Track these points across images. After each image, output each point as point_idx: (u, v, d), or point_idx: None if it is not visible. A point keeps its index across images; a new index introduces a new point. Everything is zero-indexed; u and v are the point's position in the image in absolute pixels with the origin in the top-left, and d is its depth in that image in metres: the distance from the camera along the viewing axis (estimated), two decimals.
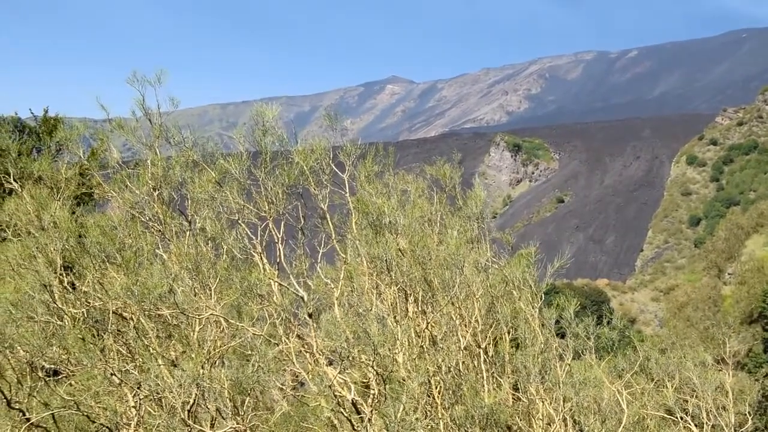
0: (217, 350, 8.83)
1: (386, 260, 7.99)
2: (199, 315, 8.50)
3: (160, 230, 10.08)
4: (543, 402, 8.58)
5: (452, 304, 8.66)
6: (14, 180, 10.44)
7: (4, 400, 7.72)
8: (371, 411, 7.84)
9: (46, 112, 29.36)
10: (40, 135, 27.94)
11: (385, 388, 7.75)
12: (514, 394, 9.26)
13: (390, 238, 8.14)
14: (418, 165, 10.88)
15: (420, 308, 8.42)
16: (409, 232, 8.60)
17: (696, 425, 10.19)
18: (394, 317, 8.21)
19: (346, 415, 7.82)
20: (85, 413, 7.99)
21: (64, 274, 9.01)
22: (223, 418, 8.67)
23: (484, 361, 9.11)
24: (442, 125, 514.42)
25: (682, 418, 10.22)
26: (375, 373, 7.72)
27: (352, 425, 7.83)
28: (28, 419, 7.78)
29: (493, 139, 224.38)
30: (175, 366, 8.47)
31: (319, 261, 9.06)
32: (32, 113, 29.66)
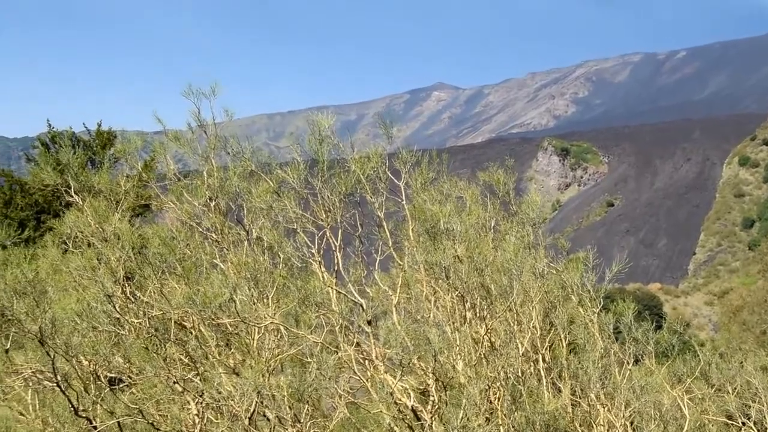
0: (276, 358, 8.91)
1: (444, 267, 8.00)
2: (258, 323, 8.59)
3: (217, 240, 10.22)
4: (604, 408, 8.51)
5: (510, 310, 8.64)
6: (75, 193, 10.66)
7: (72, 409, 7.88)
8: (431, 417, 7.85)
9: (100, 126, 29.92)
10: (94, 148, 28.44)
11: (445, 395, 7.75)
12: (572, 400, 9.20)
13: (448, 244, 8.15)
14: (466, 171, 10.88)
15: (478, 314, 8.41)
16: (465, 238, 8.60)
17: (759, 430, 10.03)
18: (453, 324, 8.22)
19: (407, 421, 7.84)
20: (150, 421, 8.12)
21: (126, 285, 9.18)
22: (282, 425, 8.76)
23: (543, 367, 9.08)
24: (489, 131, 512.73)
25: (744, 424, 10.06)
26: (435, 379, 7.73)
27: None
28: (95, 427, 7.93)
29: (541, 143, 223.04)
30: (236, 374, 8.57)
31: (376, 268, 9.10)
32: (86, 127, 30.22)
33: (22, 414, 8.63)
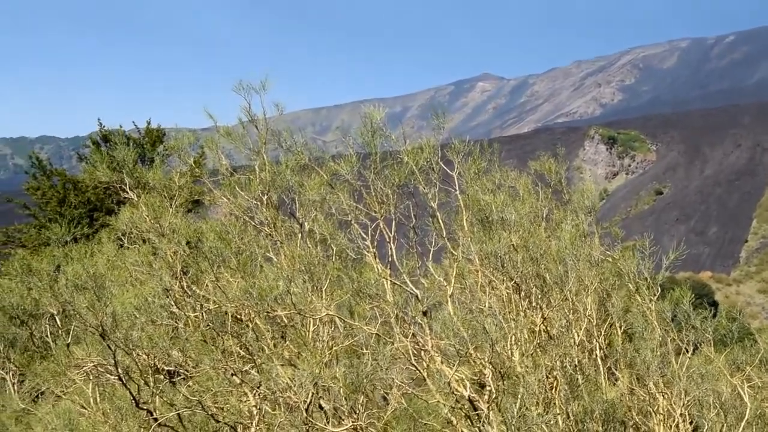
0: (331, 350, 8.97)
1: (500, 256, 7.97)
2: (314, 315, 8.65)
3: (270, 234, 10.30)
4: (663, 396, 8.42)
5: (565, 299, 8.59)
6: (130, 189, 10.82)
7: (133, 401, 8.01)
8: (488, 407, 7.83)
9: (149, 124, 30.30)
10: (144, 146, 28.80)
11: (503, 384, 7.73)
12: (630, 389, 9.11)
13: (503, 234, 8.12)
14: (513, 161, 10.85)
15: (534, 304, 8.37)
16: (519, 227, 8.56)
17: None
18: (508, 313, 8.19)
19: (464, 411, 7.83)
20: (210, 413, 8.22)
21: (182, 279, 9.30)
22: (339, 416, 8.80)
23: (600, 356, 9.02)
24: (535, 121, 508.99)
25: None
26: (492, 369, 7.71)
27: (471, 422, 7.84)
28: (155, 419, 8.06)
29: (587, 132, 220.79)
30: (292, 366, 8.63)
31: (429, 259, 9.10)
32: (135, 126, 30.61)
33: (83, 407, 8.78)
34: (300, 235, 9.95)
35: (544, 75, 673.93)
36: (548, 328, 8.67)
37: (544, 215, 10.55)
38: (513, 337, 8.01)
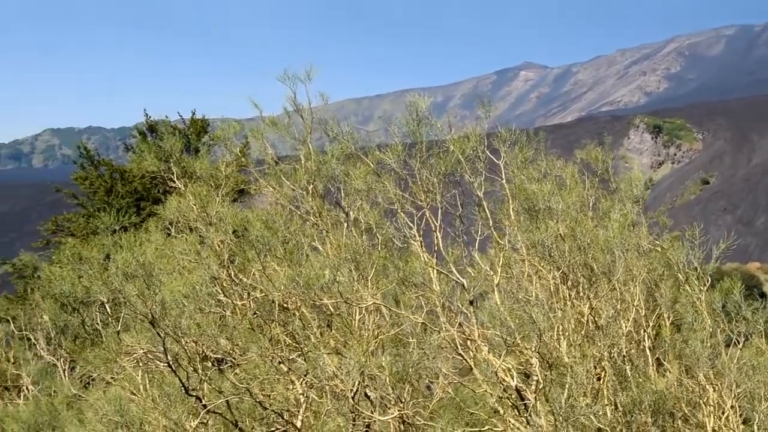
0: (377, 338, 8.98)
1: (547, 246, 7.92)
2: (360, 304, 8.67)
3: (316, 223, 10.34)
4: (713, 388, 8.31)
5: (613, 289, 8.51)
6: (177, 179, 10.93)
7: (182, 387, 8.10)
8: (535, 398, 7.80)
9: (194, 114, 30.53)
10: (189, 136, 29.04)
11: (551, 374, 7.69)
12: (679, 380, 9.00)
13: (550, 223, 8.06)
14: (556, 150, 10.76)
15: (582, 293, 8.31)
16: (566, 216, 8.50)
17: None
18: (555, 303, 8.14)
19: (511, 401, 7.81)
20: (258, 400, 8.28)
21: (230, 268, 9.38)
22: (385, 405, 8.83)
23: (648, 347, 8.93)
24: (579, 109, 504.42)
25: None
26: (539, 359, 7.67)
27: (518, 411, 7.81)
28: (204, 405, 8.14)
29: (632, 121, 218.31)
30: (338, 354, 8.67)
31: (476, 248, 9.07)
32: (180, 116, 30.87)
33: (133, 393, 8.90)
34: (345, 224, 9.97)
35: (588, 63, 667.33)
36: (596, 319, 8.60)
37: (591, 204, 10.46)
38: (560, 327, 7.96)
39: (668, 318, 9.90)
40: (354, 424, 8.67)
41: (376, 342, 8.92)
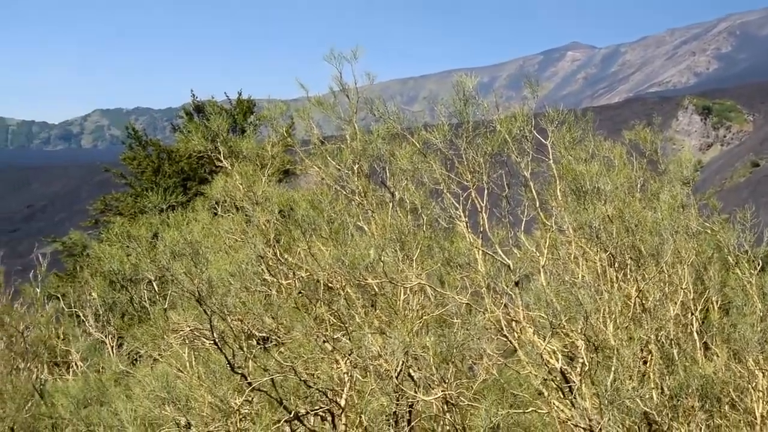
0: (422, 319, 8.98)
1: (595, 227, 7.84)
2: (405, 284, 8.67)
3: (361, 203, 10.35)
4: (763, 373, 8.19)
5: (661, 271, 8.40)
6: (224, 158, 11.00)
7: (228, 365, 8.18)
8: (581, 380, 7.74)
9: (240, 94, 30.71)
10: (235, 116, 29.23)
11: (597, 356, 7.63)
12: (727, 365, 8.88)
13: (598, 204, 7.98)
14: (603, 132, 10.63)
15: (630, 276, 8.22)
16: (614, 197, 8.40)
17: None
18: (602, 285, 8.06)
19: (556, 383, 7.76)
20: (302, 378, 8.34)
21: (276, 247, 9.44)
22: (428, 385, 8.83)
23: (696, 331, 8.82)
24: (626, 90, 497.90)
25: None
26: (585, 341, 7.61)
27: (563, 394, 7.77)
28: (250, 383, 8.21)
29: (681, 102, 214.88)
30: (382, 334, 8.68)
31: (521, 229, 9.01)
32: (227, 96, 31.06)
33: (180, 370, 9.01)
34: (391, 204, 9.97)
35: (636, 43, 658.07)
36: (643, 301, 8.50)
37: (640, 186, 10.33)
38: (607, 309, 7.88)
39: (716, 302, 9.77)
40: (397, 404, 8.69)
41: (420, 322, 8.92)
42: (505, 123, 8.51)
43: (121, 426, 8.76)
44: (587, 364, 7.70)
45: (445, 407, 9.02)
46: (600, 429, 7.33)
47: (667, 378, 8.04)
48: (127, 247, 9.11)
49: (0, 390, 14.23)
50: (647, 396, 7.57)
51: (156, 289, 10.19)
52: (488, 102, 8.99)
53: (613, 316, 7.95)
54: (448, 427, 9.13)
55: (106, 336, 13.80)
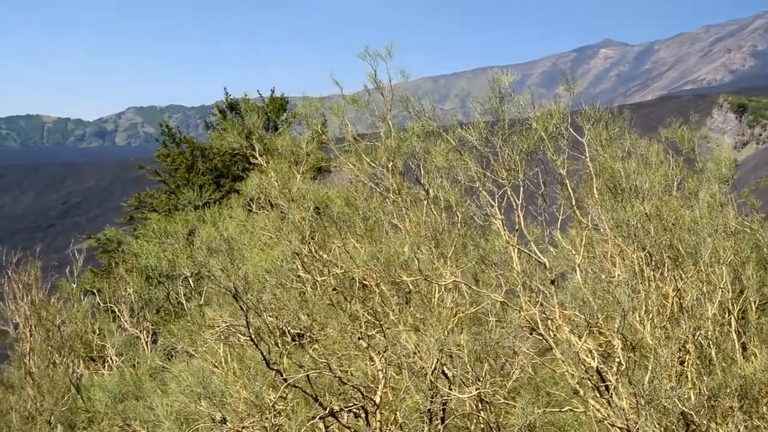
0: (456, 317, 8.96)
1: (632, 225, 7.77)
2: (440, 282, 8.66)
3: (395, 200, 10.34)
4: None
5: (699, 270, 8.31)
6: (259, 155, 11.05)
7: (264, 361, 8.21)
8: (617, 379, 7.68)
9: (273, 92, 30.81)
10: (269, 114, 29.31)
11: (635, 355, 7.56)
12: (766, 365, 8.76)
13: (635, 202, 7.91)
14: (636, 130, 10.53)
15: (668, 275, 8.14)
16: (651, 196, 8.32)
17: None
18: (640, 284, 7.98)
19: (592, 382, 7.71)
20: (337, 375, 8.36)
21: (311, 243, 9.46)
22: (462, 383, 8.81)
23: (735, 330, 8.71)
24: (660, 88, 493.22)
25: None
26: (622, 340, 7.55)
27: (599, 393, 7.71)
28: (285, 379, 8.24)
29: (716, 100, 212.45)
30: (417, 331, 8.68)
31: (558, 227, 8.97)
32: (260, 94, 31.14)
33: (215, 366, 9.06)
34: (425, 202, 9.95)
35: (670, 41, 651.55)
36: (680, 300, 8.42)
37: (677, 184, 10.23)
38: (644, 308, 7.81)
39: (755, 301, 9.64)
40: (432, 401, 8.68)
41: (455, 320, 8.90)
42: (541, 120, 8.47)
43: (156, 420, 8.82)
44: (624, 363, 7.64)
45: (479, 405, 9.00)
46: (637, 429, 7.27)
47: (705, 378, 7.95)
48: (164, 243, 9.18)
49: (38, 383, 14.43)
50: (685, 396, 7.48)
51: (192, 285, 10.27)
52: (524, 99, 8.95)
53: (650, 315, 7.87)
54: (482, 425, 9.10)
55: (140, 331, 13.93)
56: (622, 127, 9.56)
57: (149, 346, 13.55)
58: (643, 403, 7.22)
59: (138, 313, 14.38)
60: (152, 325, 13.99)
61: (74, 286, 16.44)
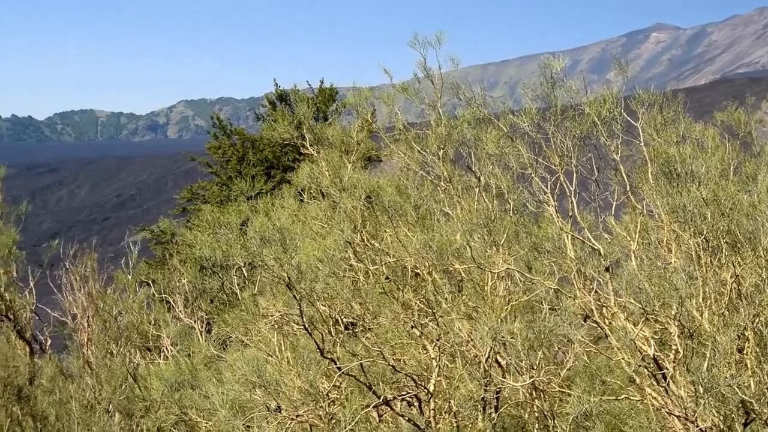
0: (510, 305, 8.92)
1: (689, 210, 7.64)
2: (494, 269, 8.62)
3: (446, 188, 10.32)
4: None
5: (759, 256, 8.14)
6: (310, 145, 11.10)
7: (318, 350, 8.27)
8: (674, 367, 7.58)
9: (322, 83, 30.95)
10: (318, 104, 29.47)
11: (692, 343, 7.45)
12: None
13: (692, 187, 7.78)
14: (689, 114, 10.34)
15: (725, 261, 7.99)
16: (708, 180, 8.17)
17: None
18: (697, 270, 7.85)
19: (649, 370, 7.62)
20: (391, 364, 8.38)
21: (362, 232, 9.49)
22: (517, 371, 8.77)
23: None
24: (713, 72, 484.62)
25: None
26: (679, 327, 7.44)
27: (656, 381, 7.62)
28: (338, 368, 8.28)
29: None
30: (470, 319, 8.66)
31: (612, 213, 8.87)
32: (309, 85, 31.31)
33: (269, 355, 9.13)
34: (477, 189, 9.91)
35: (723, 23, 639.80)
36: (739, 287, 8.26)
37: (733, 168, 10.03)
38: (701, 294, 7.69)
39: None
40: (485, 390, 8.66)
41: (508, 308, 8.86)
42: (594, 105, 8.36)
43: (212, 409, 8.92)
44: (681, 351, 7.54)
45: (533, 393, 8.95)
46: (695, 417, 7.16)
47: (765, 366, 7.80)
48: (218, 233, 9.27)
49: (97, 373, 14.70)
50: (745, 384, 7.36)
51: (245, 274, 10.36)
52: (576, 84, 8.84)
53: (708, 301, 7.74)
54: (536, 414, 9.06)
55: (195, 321, 14.10)
56: (676, 111, 9.39)
57: (203, 336, 13.72)
58: (701, 391, 7.11)
59: (192, 303, 14.56)
60: (206, 315, 14.15)
61: (130, 277, 16.69)
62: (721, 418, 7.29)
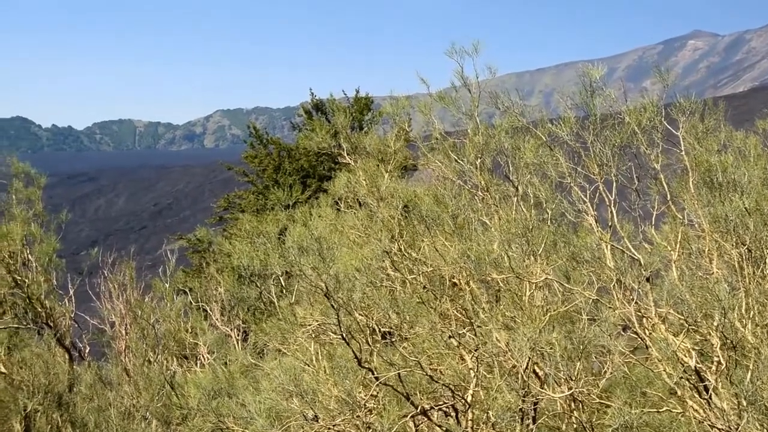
0: (548, 315, 8.84)
1: (732, 220, 7.54)
2: (532, 279, 8.56)
3: (483, 197, 10.28)
4: None
5: None
6: (347, 154, 11.13)
7: (356, 359, 8.26)
8: (716, 379, 7.46)
9: (358, 92, 31.05)
10: (353, 114, 29.59)
11: (735, 354, 7.34)
12: None
13: (735, 197, 7.67)
14: (727, 123, 10.22)
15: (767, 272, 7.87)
16: (751, 190, 8.05)
17: None
18: (740, 280, 7.74)
19: (691, 382, 7.51)
20: (428, 374, 8.34)
21: (400, 242, 9.48)
22: (555, 381, 8.70)
23: None
24: (752, 79, 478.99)
25: None
26: (721, 339, 7.33)
27: (699, 393, 7.51)
28: (376, 378, 8.26)
29: None
30: (507, 329, 8.60)
31: (652, 223, 8.77)
32: (345, 94, 31.42)
33: (306, 364, 9.15)
34: (515, 199, 9.86)
35: (762, 30, 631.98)
36: None
37: None
38: (744, 305, 7.57)
39: None
40: (523, 401, 8.59)
41: (546, 318, 8.78)
42: (634, 114, 8.29)
43: (249, 417, 8.95)
44: (724, 362, 7.42)
45: (572, 404, 8.87)
46: (738, 430, 7.05)
47: None
48: (255, 242, 9.31)
49: (135, 380, 14.83)
50: None
51: (283, 283, 10.39)
52: (615, 93, 8.78)
53: (751, 312, 7.63)
54: (574, 425, 8.97)
55: (231, 329, 14.18)
56: (717, 119, 9.29)
57: (240, 344, 13.78)
58: (744, 404, 7.00)
59: (229, 312, 14.65)
60: (243, 324, 14.23)
61: (167, 285, 16.84)
62: (765, 431, 7.17)
